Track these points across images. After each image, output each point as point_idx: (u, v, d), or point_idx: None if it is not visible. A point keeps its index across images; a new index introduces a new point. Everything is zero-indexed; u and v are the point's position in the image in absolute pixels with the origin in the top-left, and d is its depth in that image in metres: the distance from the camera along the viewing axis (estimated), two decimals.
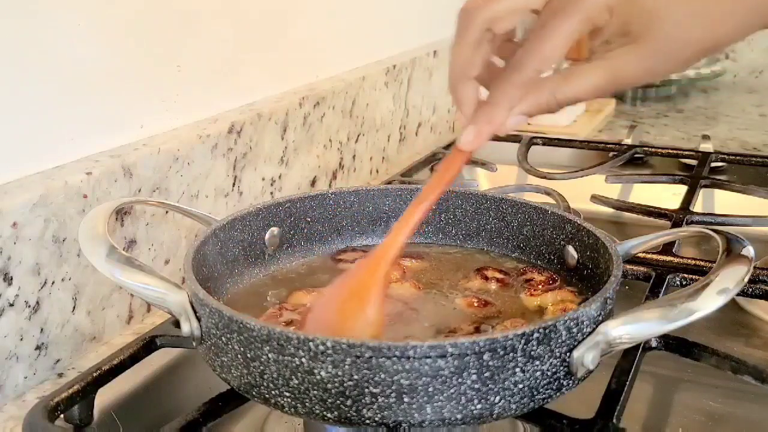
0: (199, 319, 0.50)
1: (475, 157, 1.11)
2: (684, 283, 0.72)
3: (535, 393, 0.47)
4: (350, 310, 0.51)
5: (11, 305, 0.59)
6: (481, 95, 0.50)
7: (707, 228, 0.56)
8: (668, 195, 1.02)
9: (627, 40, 0.48)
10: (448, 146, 1.16)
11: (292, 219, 0.66)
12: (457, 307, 0.59)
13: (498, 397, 0.46)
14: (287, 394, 0.46)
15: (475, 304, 0.58)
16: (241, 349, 0.47)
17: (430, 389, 0.44)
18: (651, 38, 0.48)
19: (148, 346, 0.60)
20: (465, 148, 0.51)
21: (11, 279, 0.59)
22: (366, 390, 0.44)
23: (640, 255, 0.75)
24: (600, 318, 0.49)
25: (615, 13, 0.47)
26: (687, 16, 0.48)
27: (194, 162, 0.75)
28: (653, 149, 1.14)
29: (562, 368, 0.48)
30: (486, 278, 0.61)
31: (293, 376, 0.45)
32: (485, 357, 0.44)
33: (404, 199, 0.69)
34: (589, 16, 0.47)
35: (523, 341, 0.45)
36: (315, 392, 0.45)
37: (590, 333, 0.48)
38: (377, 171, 1.12)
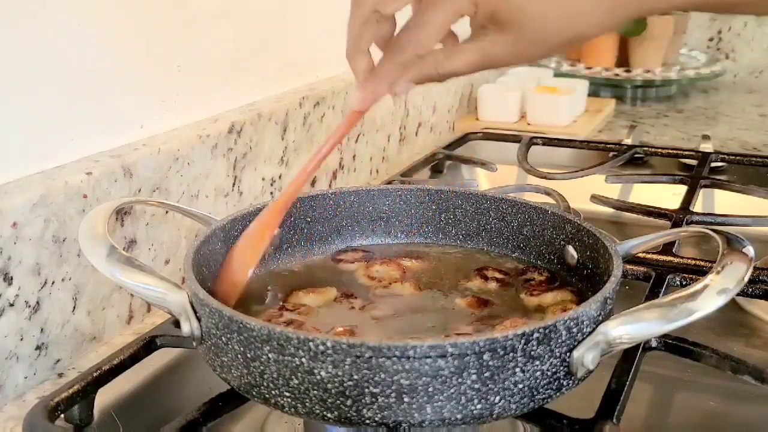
0: (199, 319, 0.50)
1: (475, 158, 1.11)
2: (684, 283, 0.72)
3: (535, 393, 0.47)
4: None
5: (11, 305, 0.59)
6: (374, 63, 0.57)
7: (707, 228, 0.56)
8: (668, 195, 1.02)
9: (497, 27, 0.54)
10: (448, 146, 1.16)
11: (292, 219, 0.66)
12: (456, 307, 0.59)
13: (498, 397, 0.46)
14: (287, 394, 0.46)
15: (475, 304, 0.58)
16: (241, 349, 0.47)
17: (430, 389, 0.44)
18: (516, 27, 0.54)
19: (148, 346, 0.60)
20: (355, 109, 0.58)
21: (11, 279, 0.59)
22: (366, 390, 0.44)
23: (640, 255, 0.75)
24: (600, 318, 0.49)
25: (480, 5, 0.53)
26: (545, 10, 0.54)
27: (194, 162, 0.75)
28: (653, 149, 1.14)
29: (562, 368, 0.48)
30: (486, 278, 0.62)
31: (293, 376, 0.45)
32: (485, 357, 0.44)
33: (404, 199, 0.69)
34: (457, 9, 0.54)
35: (523, 341, 0.45)
36: (315, 392, 0.45)
37: (590, 333, 0.48)
38: (377, 171, 1.12)
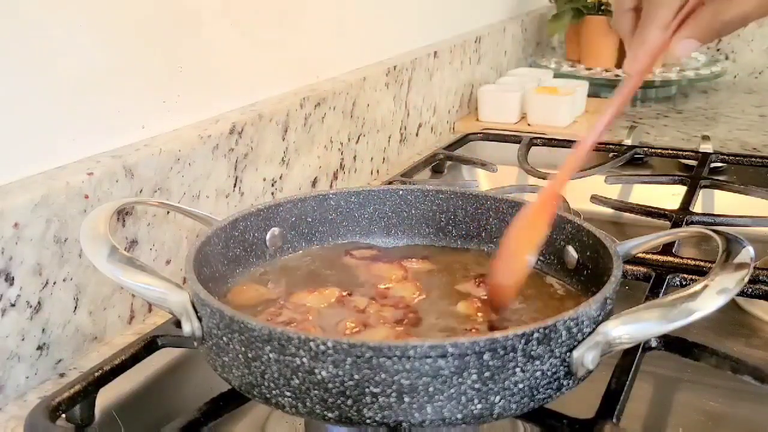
0: (200, 319, 0.50)
1: (475, 158, 1.11)
2: (684, 283, 0.72)
3: (536, 393, 0.47)
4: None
5: (13, 305, 0.59)
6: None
7: (707, 228, 0.56)
8: (668, 195, 1.02)
9: None
10: (448, 147, 1.16)
11: (293, 219, 0.66)
12: (458, 307, 0.59)
13: (498, 397, 0.46)
14: (288, 393, 0.47)
15: (477, 305, 0.58)
16: (242, 349, 0.47)
17: (431, 389, 0.45)
18: None
19: (149, 346, 0.60)
20: (630, 72, 0.54)
21: (13, 279, 0.59)
22: (366, 390, 0.45)
23: (640, 255, 0.75)
24: (600, 318, 0.49)
25: None
26: None
27: (195, 162, 0.76)
28: (653, 150, 1.14)
29: (562, 368, 0.48)
30: (486, 283, 0.61)
31: (294, 376, 0.46)
32: (485, 357, 0.45)
33: (405, 199, 0.69)
34: None
35: (523, 341, 0.45)
36: (316, 392, 0.46)
37: (590, 333, 0.48)
38: (378, 171, 1.12)
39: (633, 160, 1.12)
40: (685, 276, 0.73)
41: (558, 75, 1.53)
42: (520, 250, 0.55)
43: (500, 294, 0.55)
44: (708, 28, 0.51)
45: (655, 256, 0.76)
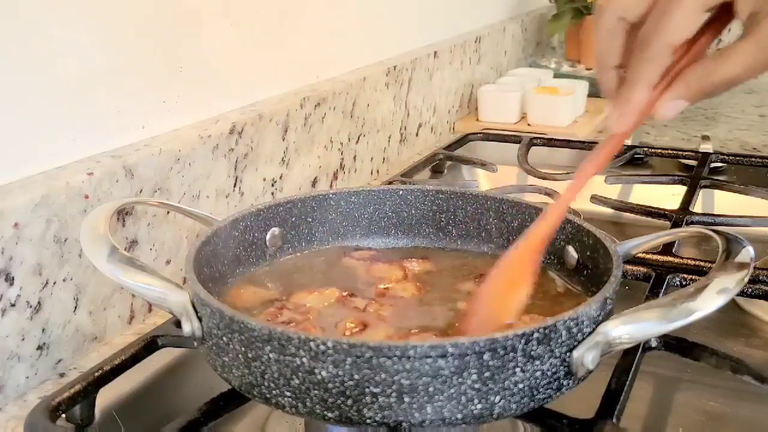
0: (200, 319, 0.50)
1: (475, 158, 1.11)
2: (684, 283, 0.72)
3: (536, 393, 0.47)
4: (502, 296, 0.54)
5: (13, 305, 0.59)
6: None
7: (707, 228, 0.56)
8: (668, 195, 1.02)
9: None
10: (448, 147, 1.16)
11: (293, 219, 0.66)
12: (458, 307, 0.59)
13: (498, 397, 0.46)
14: (288, 393, 0.47)
15: None
16: (243, 349, 0.47)
17: (431, 389, 0.45)
18: None
19: (149, 346, 0.60)
20: (614, 130, 0.52)
21: (13, 279, 0.59)
22: (367, 390, 0.45)
23: (640, 255, 0.75)
24: (600, 318, 0.49)
25: None
26: None
27: (195, 162, 0.76)
28: (653, 150, 1.14)
29: (562, 368, 0.48)
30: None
31: (294, 376, 0.46)
32: (485, 357, 0.45)
33: (405, 199, 0.69)
34: None
35: (523, 341, 0.45)
36: (316, 392, 0.46)
37: (590, 333, 0.48)
38: (378, 171, 1.12)
39: (633, 160, 1.12)
40: (685, 276, 0.73)
41: (558, 75, 1.53)
42: (498, 315, 0.53)
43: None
44: (697, 89, 0.50)
45: (655, 256, 0.76)
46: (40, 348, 0.62)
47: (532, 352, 0.46)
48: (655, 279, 0.72)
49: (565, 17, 1.60)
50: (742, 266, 0.49)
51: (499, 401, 0.46)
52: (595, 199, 0.94)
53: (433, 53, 1.25)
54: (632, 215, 0.94)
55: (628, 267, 0.73)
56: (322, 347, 0.44)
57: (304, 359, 0.45)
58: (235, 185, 0.82)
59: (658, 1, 0.50)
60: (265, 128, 0.85)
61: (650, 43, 0.49)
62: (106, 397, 0.58)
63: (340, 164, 1.02)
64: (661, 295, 0.69)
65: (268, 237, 0.65)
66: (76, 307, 0.65)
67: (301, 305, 0.58)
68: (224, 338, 0.48)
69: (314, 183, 0.96)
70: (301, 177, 0.93)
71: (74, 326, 0.65)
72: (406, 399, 0.45)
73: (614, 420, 0.51)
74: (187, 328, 0.51)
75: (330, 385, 0.45)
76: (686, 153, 1.12)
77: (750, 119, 1.43)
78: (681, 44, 0.49)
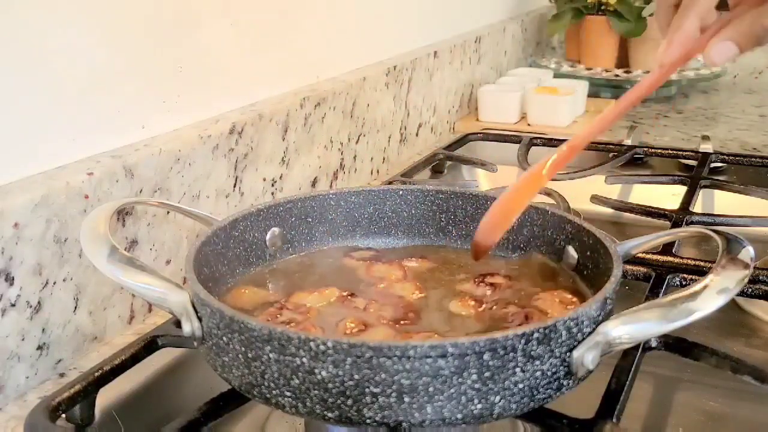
0: (200, 319, 0.50)
1: (475, 158, 1.11)
2: (684, 283, 0.72)
3: (536, 393, 0.47)
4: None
5: (13, 305, 0.59)
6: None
7: (707, 228, 0.56)
8: (668, 195, 1.02)
9: None
10: (448, 147, 1.16)
11: (293, 219, 0.66)
12: (457, 307, 0.59)
13: (498, 397, 0.46)
14: (288, 393, 0.47)
15: (475, 306, 0.58)
16: (243, 349, 0.47)
17: (431, 389, 0.45)
18: None
19: (149, 346, 0.60)
20: (662, 60, 0.53)
21: (13, 279, 0.59)
22: (366, 390, 0.45)
23: (640, 255, 0.75)
24: (600, 318, 0.49)
25: None
26: None
27: (195, 162, 0.76)
28: (653, 150, 1.14)
29: (562, 368, 0.48)
30: (485, 284, 0.61)
31: (294, 376, 0.46)
32: (485, 357, 0.45)
33: (405, 199, 0.69)
34: None
35: (523, 341, 0.45)
36: (316, 392, 0.46)
37: (590, 333, 0.48)
38: (378, 171, 1.12)
39: (633, 160, 1.13)
40: (685, 276, 0.73)
41: (558, 75, 1.53)
42: (508, 216, 0.57)
43: (479, 250, 0.56)
44: (749, 32, 0.50)
45: (655, 256, 0.76)
46: (40, 348, 0.62)
47: (532, 352, 0.46)
48: (655, 279, 0.72)
49: (565, 17, 1.60)
50: (742, 266, 0.49)
51: (499, 401, 0.46)
52: (595, 199, 0.94)
53: (433, 53, 1.25)
54: (632, 215, 0.94)
55: (628, 267, 0.73)
56: (322, 347, 0.44)
57: (304, 359, 0.45)
58: (235, 185, 0.82)
59: None
60: (265, 128, 0.85)
61: None
62: (106, 397, 0.58)
63: (340, 164, 1.02)
64: (661, 295, 0.69)
65: (268, 237, 0.65)
66: (76, 307, 0.65)
67: (301, 305, 0.58)
68: (224, 338, 0.48)
69: (314, 183, 0.96)
70: (301, 177, 0.93)
71: (74, 326, 0.65)
72: (406, 399, 0.45)
73: (614, 420, 0.51)
74: (187, 328, 0.51)
75: (330, 385, 0.45)
76: (686, 153, 1.12)
77: (750, 119, 1.43)
78: None
